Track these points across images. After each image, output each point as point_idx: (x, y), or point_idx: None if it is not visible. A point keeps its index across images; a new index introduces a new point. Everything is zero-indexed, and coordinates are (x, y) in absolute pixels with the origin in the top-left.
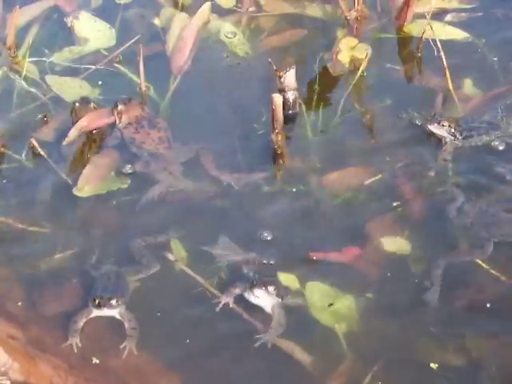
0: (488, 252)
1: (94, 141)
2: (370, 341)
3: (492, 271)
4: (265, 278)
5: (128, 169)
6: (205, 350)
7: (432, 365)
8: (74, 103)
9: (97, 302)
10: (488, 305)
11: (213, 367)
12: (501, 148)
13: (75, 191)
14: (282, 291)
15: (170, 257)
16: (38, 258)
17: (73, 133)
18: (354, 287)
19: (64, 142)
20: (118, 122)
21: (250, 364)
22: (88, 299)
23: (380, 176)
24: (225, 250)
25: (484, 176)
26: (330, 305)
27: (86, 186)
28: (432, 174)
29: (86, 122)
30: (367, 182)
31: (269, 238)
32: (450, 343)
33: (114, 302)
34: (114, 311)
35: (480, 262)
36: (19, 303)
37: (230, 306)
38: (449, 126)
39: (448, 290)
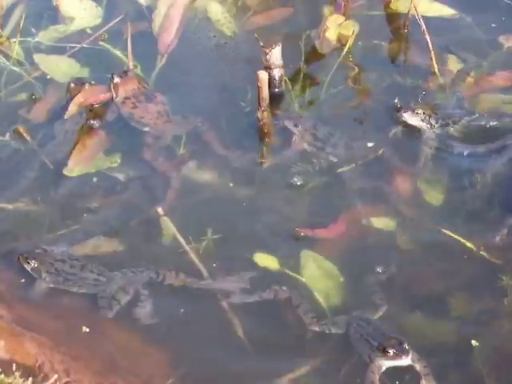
0: None
1: (86, 119)
2: None
3: None
4: None
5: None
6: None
7: (473, 342)
8: (69, 83)
9: (391, 352)
10: None
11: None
12: None
13: (65, 171)
14: None
15: (160, 211)
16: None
17: (72, 108)
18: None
19: (65, 116)
20: (114, 95)
21: None
22: (374, 349)
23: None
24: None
25: None
26: None
27: (76, 166)
28: (421, 163)
29: (82, 98)
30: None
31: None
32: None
33: (406, 345)
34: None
35: None
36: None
37: None
38: (423, 113)
39: None
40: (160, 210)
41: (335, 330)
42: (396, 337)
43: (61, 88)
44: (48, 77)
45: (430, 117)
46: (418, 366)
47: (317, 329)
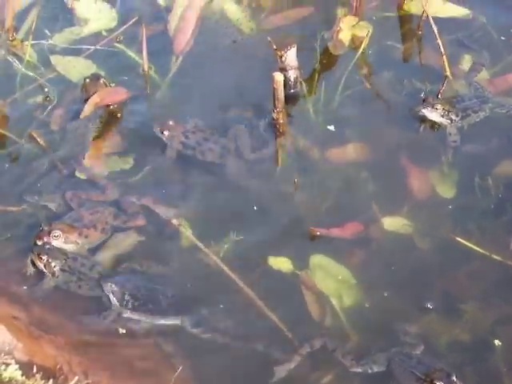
0: None
1: (101, 119)
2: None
3: None
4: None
5: None
6: None
7: (496, 342)
8: (84, 79)
9: None
10: None
11: None
12: None
13: (77, 173)
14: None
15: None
16: None
17: (87, 108)
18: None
19: (80, 116)
20: None
21: None
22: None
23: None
24: None
25: None
26: None
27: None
28: (450, 158)
29: (98, 98)
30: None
31: None
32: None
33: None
34: None
35: None
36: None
37: None
38: (443, 109)
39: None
40: (175, 221)
41: (377, 369)
42: (443, 369)
43: (77, 88)
44: (63, 78)
45: (449, 112)
46: None
47: (359, 370)
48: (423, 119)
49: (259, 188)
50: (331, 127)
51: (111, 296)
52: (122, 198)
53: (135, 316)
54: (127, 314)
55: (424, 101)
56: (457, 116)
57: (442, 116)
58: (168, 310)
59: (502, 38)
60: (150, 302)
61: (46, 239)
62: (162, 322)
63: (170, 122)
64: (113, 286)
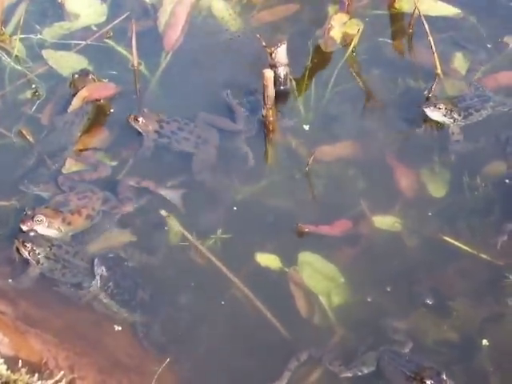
0: None
1: (89, 114)
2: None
3: None
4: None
5: None
6: None
7: (484, 341)
8: (73, 75)
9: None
10: None
11: None
12: None
13: (63, 170)
14: None
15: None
16: None
17: (75, 102)
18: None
19: (68, 110)
20: None
21: None
22: (410, 380)
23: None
24: None
25: None
26: None
27: (74, 166)
28: (452, 158)
29: (87, 93)
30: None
31: None
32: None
33: (444, 376)
34: None
35: None
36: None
37: None
38: (445, 108)
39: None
40: (163, 212)
41: (367, 369)
42: (432, 367)
43: (67, 83)
44: (52, 73)
45: (451, 111)
46: None
47: (349, 374)
48: (420, 117)
49: (248, 186)
50: (306, 127)
51: (98, 278)
52: (120, 181)
53: (109, 302)
54: (103, 297)
55: (426, 100)
56: (459, 115)
57: (445, 115)
58: (138, 305)
59: (488, 45)
60: (127, 294)
61: (29, 224)
62: (128, 317)
63: (145, 110)
64: (104, 270)
